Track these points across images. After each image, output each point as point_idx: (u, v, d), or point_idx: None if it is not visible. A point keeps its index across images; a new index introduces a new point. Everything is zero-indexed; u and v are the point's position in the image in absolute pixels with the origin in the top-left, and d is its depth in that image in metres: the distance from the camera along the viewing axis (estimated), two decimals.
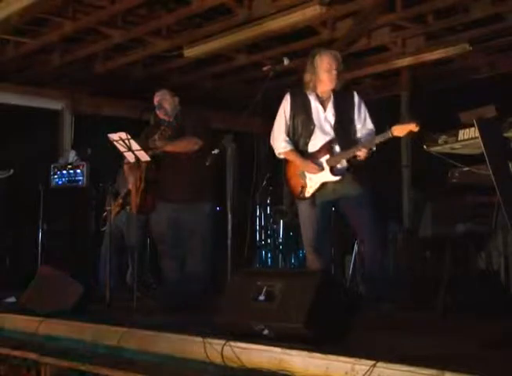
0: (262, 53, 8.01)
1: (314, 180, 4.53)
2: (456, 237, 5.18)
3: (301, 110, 4.57)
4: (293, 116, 4.59)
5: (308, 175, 4.54)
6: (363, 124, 4.59)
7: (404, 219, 8.12)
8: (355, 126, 4.58)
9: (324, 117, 4.55)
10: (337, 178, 4.47)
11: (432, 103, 8.17)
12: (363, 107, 4.61)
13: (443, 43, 7.51)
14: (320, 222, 4.55)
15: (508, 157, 3.71)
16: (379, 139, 4.37)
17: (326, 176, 4.50)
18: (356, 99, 4.59)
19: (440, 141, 4.65)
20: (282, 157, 4.66)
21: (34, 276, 5.42)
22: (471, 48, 7.36)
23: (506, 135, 4.05)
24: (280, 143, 4.60)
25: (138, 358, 3.92)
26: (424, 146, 4.76)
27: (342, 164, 4.51)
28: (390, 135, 4.28)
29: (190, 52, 7.61)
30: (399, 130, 4.25)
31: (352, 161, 4.48)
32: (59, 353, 4.26)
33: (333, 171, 4.49)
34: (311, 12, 6.34)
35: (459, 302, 4.85)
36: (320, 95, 4.58)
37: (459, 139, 4.50)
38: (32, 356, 4.34)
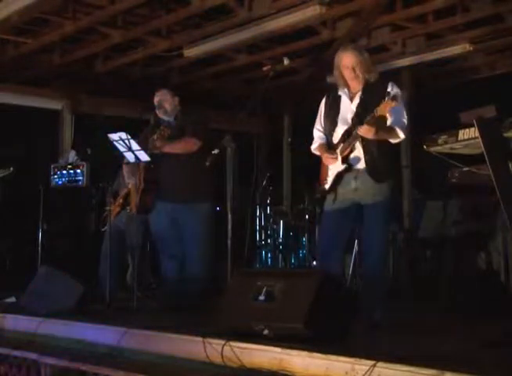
0: (262, 53, 8.00)
1: (332, 171, 4.45)
2: (456, 237, 5.19)
3: (333, 107, 4.54)
4: (326, 113, 4.58)
5: (329, 166, 4.49)
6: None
7: (404, 219, 8.11)
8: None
9: (349, 108, 4.47)
10: (344, 166, 4.35)
11: (432, 103, 8.17)
12: (397, 95, 4.32)
13: (443, 43, 7.51)
14: (337, 222, 4.42)
15: (508, 157, 3.71)
16: (368, 118, 4.18)
17: (338, 166, 4.40)
18: (389, 89, 4.37)
19: (440, 141, 4.65)
20: (317, 152, 4.63)
21: (34, 276, 5.42)
22: (471, 48, 7.37)
23: (506, 135, 4.06)
24: (314, 140, 4.63)
25: (138, 358, 3.92)
26: (424, 146, 4.76)
27: (359, 152, 4.35)
28: (375, 113, 4.17)
29: (190, 52, 7.61)
30: (382, 108, 4.14)
31: (369, 151, 4.32)
32: (59, 353, 4.26)
33: (344, 160, 4.37)
34: (311, 12, 6.34)
35: (459, 302, 4.85)
36: (351, 89, 4.51)
37: (459, 139, 4.51)
38: (32, 356, 4.33)
